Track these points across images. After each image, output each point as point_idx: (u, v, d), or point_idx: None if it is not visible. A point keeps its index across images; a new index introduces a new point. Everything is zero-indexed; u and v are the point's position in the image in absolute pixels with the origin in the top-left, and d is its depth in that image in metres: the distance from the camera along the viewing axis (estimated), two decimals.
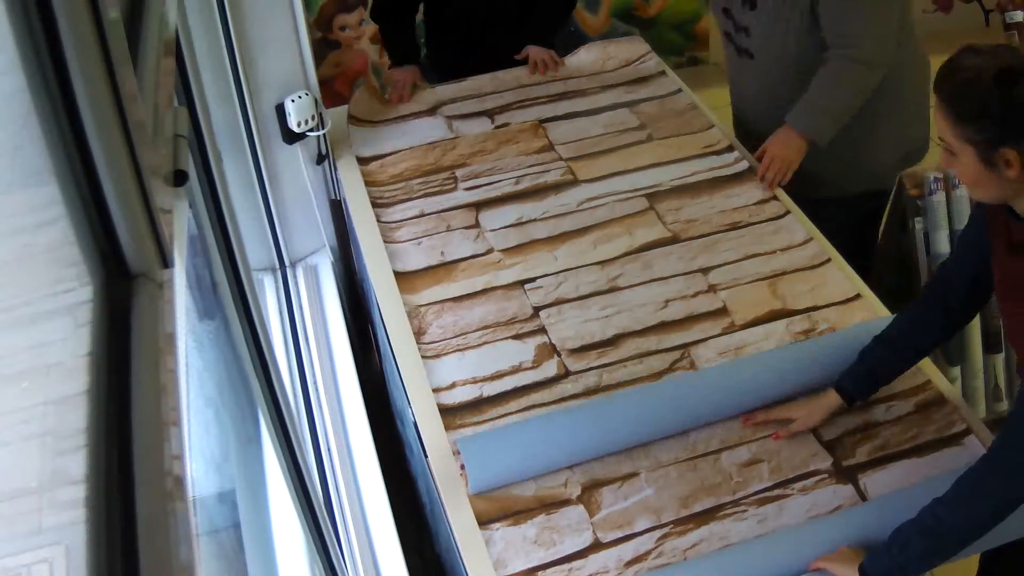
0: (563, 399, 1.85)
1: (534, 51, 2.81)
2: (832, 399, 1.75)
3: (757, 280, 2.08)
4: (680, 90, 2.70)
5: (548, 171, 2.42)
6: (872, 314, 1.98)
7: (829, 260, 2.12)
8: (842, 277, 2.07)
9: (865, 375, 1.75)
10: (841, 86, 2.34)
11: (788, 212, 2.24)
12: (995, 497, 1.43)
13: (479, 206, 2.32)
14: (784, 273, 2.09)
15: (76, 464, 0.60)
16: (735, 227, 2.22)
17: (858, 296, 2.03)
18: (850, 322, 1.97)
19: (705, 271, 2.11)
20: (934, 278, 1.80)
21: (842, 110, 2.36)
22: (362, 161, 2.48)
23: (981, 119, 1.40)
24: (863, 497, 1.66)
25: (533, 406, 1.84)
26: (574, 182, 2.38)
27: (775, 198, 2.29)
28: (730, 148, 2.46)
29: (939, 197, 2.59)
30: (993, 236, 1.56)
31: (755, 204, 2.28)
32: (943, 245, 2.61)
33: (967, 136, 1.42)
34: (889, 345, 1.74)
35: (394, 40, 2.84)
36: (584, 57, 2.84)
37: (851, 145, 2.40)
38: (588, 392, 1.85)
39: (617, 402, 1.80)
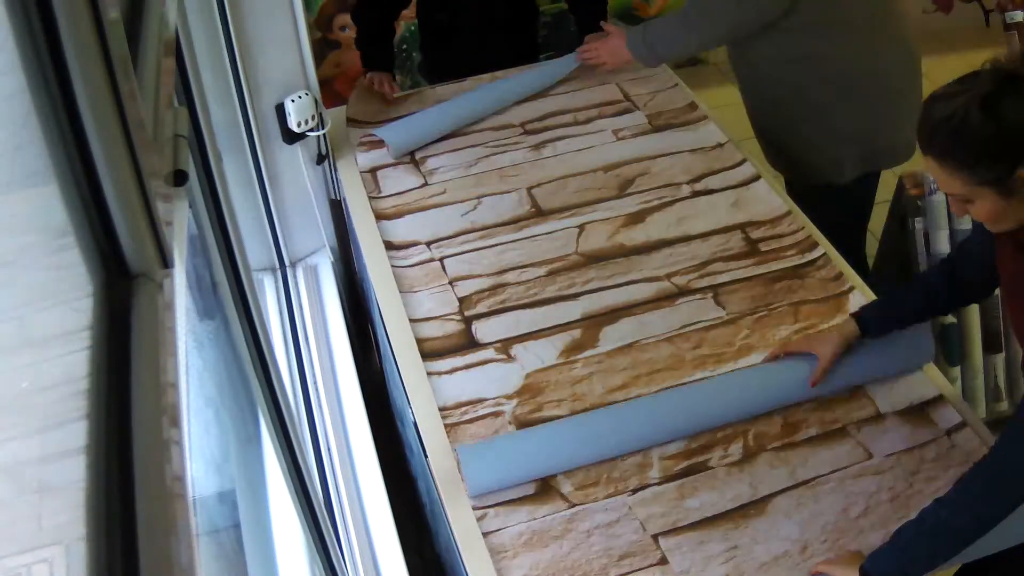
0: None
1: (589, 39, 2.68)
2: (851, 327, 1.76)
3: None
4: (676, 84, 2.71)
5: None
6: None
7: (825, 253, 2.12)
8: (837, 270, 2.08)
9: (887, 315, 1.77)
10: (688, 26, 2.38)
11: (790, 212, 2.24)
12: (999, 496, 1.41)
13: None
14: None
15: (76, 464, 0.60)
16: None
17: (852, 289, 2.04)
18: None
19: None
20: (950, 254, 1.80)
21: (676, 49, 2.50)
22: None
23: (987, 156, 1.35)
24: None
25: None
26: None
27: (777, 197, 2.29)
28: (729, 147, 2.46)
29: (939, 197, 2.58)
30: (999, 240, 1.54)
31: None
32: (943, 245, 2.60)
33: (981, 179, 1.37)
34: (903, 300, 1.77)
35: (372, 44, 2.73)
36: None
37: (806, 133, 2.39)
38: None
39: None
